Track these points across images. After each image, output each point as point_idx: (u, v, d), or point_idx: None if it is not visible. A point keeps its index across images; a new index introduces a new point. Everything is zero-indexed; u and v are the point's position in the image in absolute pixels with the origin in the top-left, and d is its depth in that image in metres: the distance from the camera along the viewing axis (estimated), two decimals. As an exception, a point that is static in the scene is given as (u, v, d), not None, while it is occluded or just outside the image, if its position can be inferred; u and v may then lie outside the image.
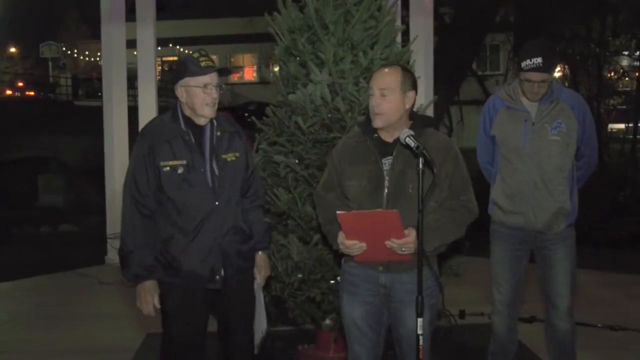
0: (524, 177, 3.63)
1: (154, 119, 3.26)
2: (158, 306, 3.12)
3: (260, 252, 3.37)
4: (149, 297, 3.10)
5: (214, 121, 3.18)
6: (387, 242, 2.78)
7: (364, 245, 2.84)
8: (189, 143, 3.09)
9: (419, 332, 2.70)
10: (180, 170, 3.05)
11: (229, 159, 3.17)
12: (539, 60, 3.45)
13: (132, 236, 3.09)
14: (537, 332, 4.55)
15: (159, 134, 3.10)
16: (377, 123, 2.92)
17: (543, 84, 3.52)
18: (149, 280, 3.09)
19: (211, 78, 3.08)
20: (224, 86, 3.17)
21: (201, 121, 3.13)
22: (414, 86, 2.95)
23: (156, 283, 3.11)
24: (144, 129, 3.21)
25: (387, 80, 2.89)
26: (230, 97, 32.88)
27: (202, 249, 3.10)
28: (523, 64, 3.50)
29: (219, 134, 3.17)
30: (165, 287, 3.15)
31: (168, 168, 3.05)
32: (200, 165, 3.09)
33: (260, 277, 3.35)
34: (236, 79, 36.55)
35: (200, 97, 3.07)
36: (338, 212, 2.78)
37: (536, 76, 3.49)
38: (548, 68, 3.48)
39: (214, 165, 3.12)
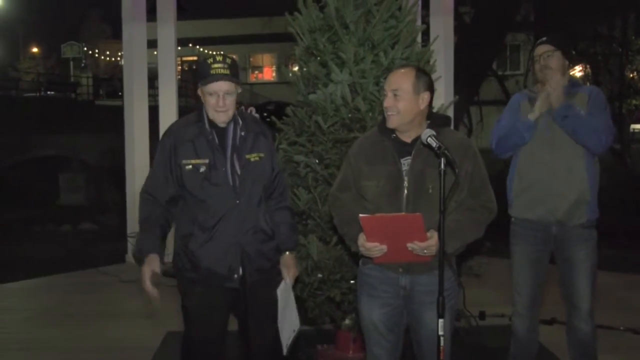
0: (543, 166, 3.65)
1: (179, 119, 3.31)
2: (158, 270, 3.11)
3: (287, 253, 3.36)
4: (147, 271, 3.09)
5: (240, 121, 3.20)
6: (409, 245, 2.76)
7: (384, 247, 2.82)
8: (211, 142, 3.12)
9: (440, 332, 2.69)
10: (202, 169, 3.09)
11: (252, 159, 3.18)
12: (544, 38, 3.76)
13: (140, 222, 3.21)
14: (557, 334, 4.51)
15: (183, 133, 3.15)
16: (391, 124, 2.92)
17: (548, 57, 3.65)
18: (150, 255, 3.12)
19: (219, 86, 3.07)
20: (236, 93, 3.14)
21: (220, 123, 3.16)
22: (429, 87, 2.95)
23: (156, 256, 3.12)
24: (169, 128, 3.26)
25: (399, 81, 2.90)
26: (249, 96, 32.98)
27: (220, 247, 3.12)
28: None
29: (243, 133, 3.19)
30: (186, 283, 3.20)
31: (190, 166, 3.09)
32: (222, 164, 3.12)
33: (289, 277, 3.33)
34: (255, 79, 36.63)
35: (211, 103, 3.10)
36: (361, 215, 2.76)
37: (540, 48, 3.71)
38: (551, 41, 3.69)
39: (236, 164, 3.14)
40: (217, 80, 3.06)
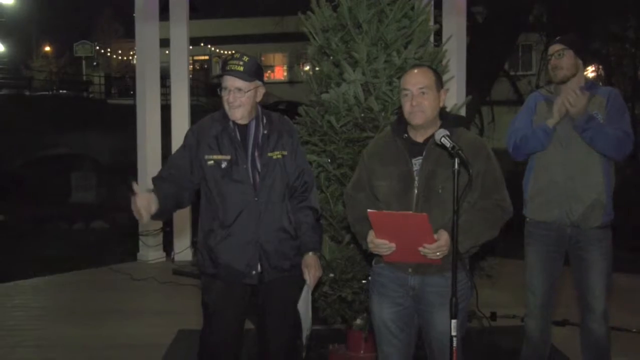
0: (559, 169, 3.63)
1: (205, 117, 3.34)
2: (153, 208, 3.01)
3: (310, 253, 3.32)
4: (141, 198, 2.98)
5: (264, 119, 3.25)
6: (420, 249, 2.76)
7: (393, 245, 2.83)
8: (234, 139, 3.17)
9: (453, 333, 2.68)
10: (223, 165, 3.15)
11: (274, 157, 3.21)
12: (557, 38, 3.77)
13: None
14: (570, 336, 4.50)
15: (208, 130, 3.21)
16: (417, 120, 2.90)
17: (559, 57, 3.66)
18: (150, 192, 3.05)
19: (229, 81, 3.12)
20: (248, 92, 3.15)
21: (236, 121, 3.18)
22: (443, 85, 3.01)
23: (153, 195, 3.03)
24: (194, 125, 3.32)
25: (424, 79, 2.91)
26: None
27: (238, 243, 3.15)
28: None
29: (266, 132, 3.22)
30: (206, 279, 3.24)
31: (212, 162, 3.15)
32: (243, 161, 3.15)
33: (310, 277, 3.28)
34: (266, 78, 36.59)
35: (224, 98, 3.16)
36: (369, 210, 2.78)
37: (552, 48, 3.71)
38: (563, 41, 3.69)
39: (257, 161, 3.18)
40: (227, 74, 3.12)
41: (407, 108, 2.91)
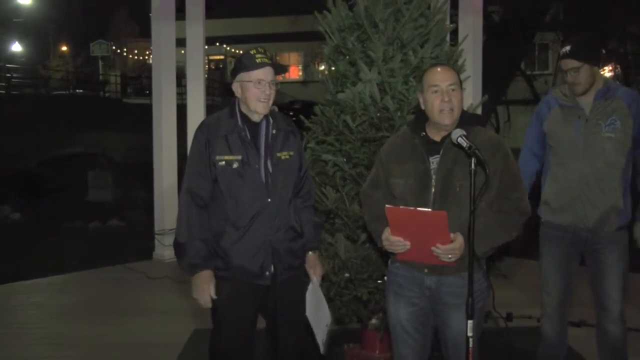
0: (575, 174, 3.59)
1: (212, 115, 3.31)
2: (214, 296, 3.15)
3: (311, 253, 3.38)
4: (205, 286, 3.13)
5: (270, 119, 3.22)
6: (432, 248, 2.73)
7: (407, 244, 2.81)
8: (244, 139, 3.14)
9: (469, 334, 2.66)
10: (235, 165, 3.10)
11: (283, 157, 3.19)
12: (567, 48, 3.55)
13: (187, 227, 3.14)
14: (586, 336, 4.46)
15: (216, 129, 3.16)
16: (448, 121, 2.86)
17: (575, 74, 3.55)
18: (205, 270, 3.13)
19: (264, 74, 3.09)
20: (278, 84, 3.17)
21: (255, 117, 3.17)
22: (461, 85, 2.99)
23: (212, 273, 3.15)
24: (202, 123, 3.27)
25: (452, 76, 2.89)
26: (276, 95, 32.99)
27: (253, 245, 3.13)
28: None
29: (274, 131, 3.20)
30: (216, 280, 3.19)
31: (223, 162, 3.10)
32: (255, 161, 3.13)
33: (315, 276, 3.36)
34: (281, 78, 36.56)
35: (253, 92, 3.10)
36: (387, 205, 2.76)
37: (565, 63, 3.57)
38: (575, 54, 3.53)
39: (269, 162, 3.15)
40: (264, 67, 3.09)
41: (437, 105, 2.86)
